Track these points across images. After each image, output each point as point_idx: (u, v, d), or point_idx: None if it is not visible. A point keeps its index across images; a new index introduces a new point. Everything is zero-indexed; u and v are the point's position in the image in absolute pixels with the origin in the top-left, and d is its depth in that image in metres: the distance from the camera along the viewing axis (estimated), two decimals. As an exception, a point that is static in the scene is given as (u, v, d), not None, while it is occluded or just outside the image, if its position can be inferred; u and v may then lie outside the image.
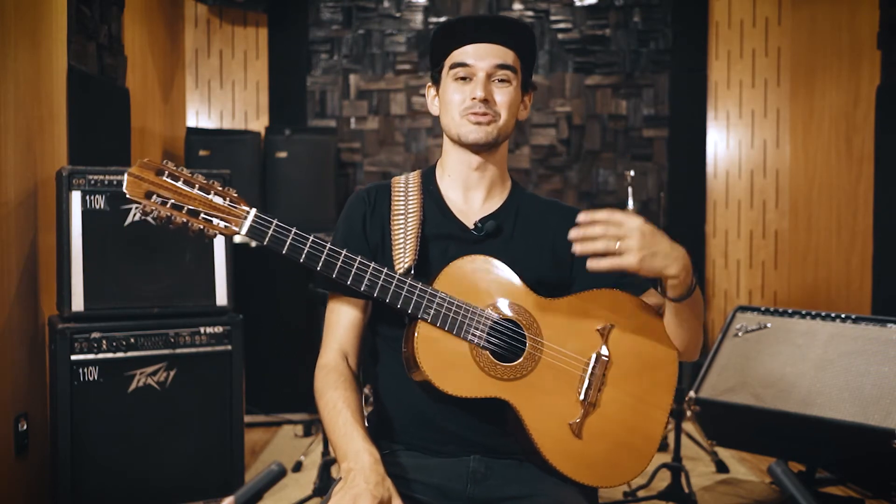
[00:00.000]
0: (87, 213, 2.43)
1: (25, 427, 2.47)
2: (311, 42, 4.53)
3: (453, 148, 1.52)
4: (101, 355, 2.41)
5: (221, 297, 2.62)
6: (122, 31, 3.43)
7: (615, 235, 1.29)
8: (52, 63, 2.74)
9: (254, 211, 1.30)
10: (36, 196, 2.60)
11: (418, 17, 4.52)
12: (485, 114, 1.45)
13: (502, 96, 1.46)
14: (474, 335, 1.35)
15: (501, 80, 1.46)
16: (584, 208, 1.56)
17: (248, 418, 3.39)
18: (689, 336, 1.45)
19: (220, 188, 1.29)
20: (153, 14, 3.95)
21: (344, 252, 1.33)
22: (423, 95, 4.59)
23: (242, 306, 2.71)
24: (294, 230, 1.31)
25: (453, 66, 1.47)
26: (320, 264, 1.31)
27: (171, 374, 2.51)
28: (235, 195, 1.30)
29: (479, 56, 1.45)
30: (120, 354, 2.44)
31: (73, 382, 2.38)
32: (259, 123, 4.51)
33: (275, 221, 1.30)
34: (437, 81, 1.54)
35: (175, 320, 2.53)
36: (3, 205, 2.40)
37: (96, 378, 2.41)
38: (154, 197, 1.26)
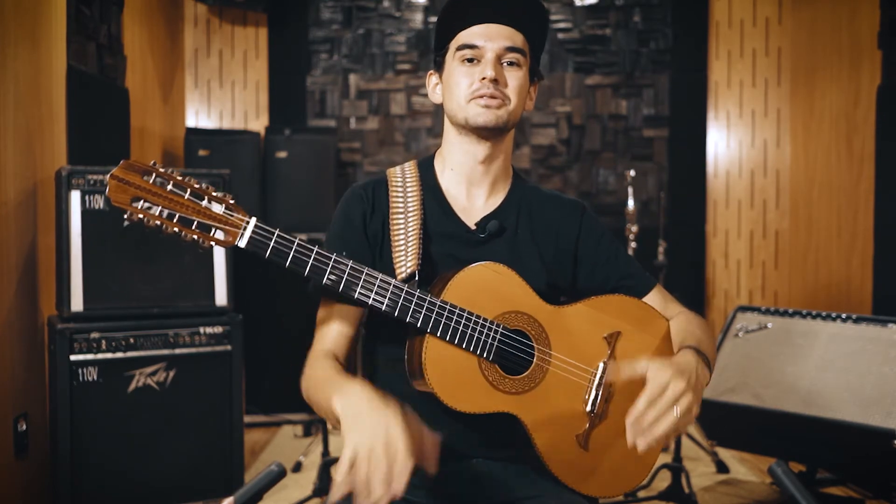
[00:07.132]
0: (87, 213, 2.43)
1: (25, 427, 2.47)
2: (311, 42, 4.53)
3: (458, 138, 1.44)
4: (100, 355, 2.41)
5: (221, 298, 2.61)
6: (121, 31, 3.43)
7: (668, 408, 1.16)
8: (52, 63, 2.74)
9: (254, 220, 1.20)
10: (35, 196, 2.60)
11: (418, 17, 4.52)
12: (493, 96, 1.37)
13: (512, 80, 1.39)
14: (484, 349, 1.29)
15: (511, 64, 1.39)
16: (585, 203, 1.55)
17: (247, 418, 3.39)
18: None
19: (216, 193, 1.18)
20: (153, 14, 3.95)
21: (350, 264, 1.25)
22: (424, 95, 4.60)
23: (242, 306, 2.71)
24: (298, 240, 1.23)
25: (460, 47, 1.39)
26: (325, 277, 1.24)
27: (171, 374, 2.50)
28: (232, 202, 1.19)
29: (489, 37, 1.38)
30: (119, 354, 2.43)
31: (73, 382, 2.37)
32: (259, 123, 4.51)
33: (276, 231, 1.21)
34: (439, 67, 1.46)
35: (174, 320, 2.52)
36: (3, 205, 2.40)
37: (96, 378, 2.40)
38: (141, 203, 1.14)
